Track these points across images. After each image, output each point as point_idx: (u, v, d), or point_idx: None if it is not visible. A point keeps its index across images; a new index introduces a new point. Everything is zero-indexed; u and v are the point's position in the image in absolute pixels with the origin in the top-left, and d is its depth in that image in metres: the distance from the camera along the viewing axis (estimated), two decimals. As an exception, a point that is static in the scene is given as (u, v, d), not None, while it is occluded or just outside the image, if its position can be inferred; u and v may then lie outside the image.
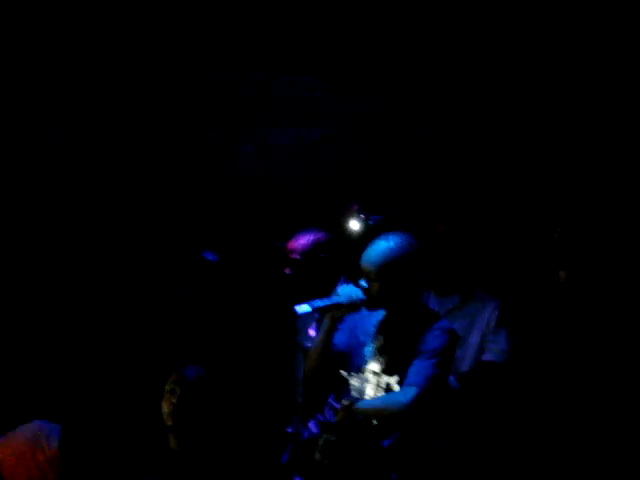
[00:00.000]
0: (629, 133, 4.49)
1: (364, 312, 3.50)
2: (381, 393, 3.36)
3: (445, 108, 4.90)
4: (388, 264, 3.34)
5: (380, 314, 3.51)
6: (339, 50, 4.90)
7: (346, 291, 3.40)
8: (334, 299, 3.40)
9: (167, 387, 3.59)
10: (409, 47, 4.86)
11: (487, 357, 3.87)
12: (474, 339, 3.90)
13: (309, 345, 3.81)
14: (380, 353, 3.42)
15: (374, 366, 3.42)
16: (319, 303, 3.38)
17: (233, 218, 5.05)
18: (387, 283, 3.35)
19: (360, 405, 3.31)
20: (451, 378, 3.77)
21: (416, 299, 3.48)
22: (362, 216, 4.59)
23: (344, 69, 4.96)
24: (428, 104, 4.91)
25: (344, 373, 3.48)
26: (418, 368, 3.27)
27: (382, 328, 3.48)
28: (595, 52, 4.55)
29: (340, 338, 3.53)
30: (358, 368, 3.46)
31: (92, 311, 4.73)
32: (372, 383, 3.40)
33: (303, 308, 3.35)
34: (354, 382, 3.44)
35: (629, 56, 4.49)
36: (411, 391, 3.21)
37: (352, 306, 3.39)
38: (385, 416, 3.29)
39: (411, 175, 4.94)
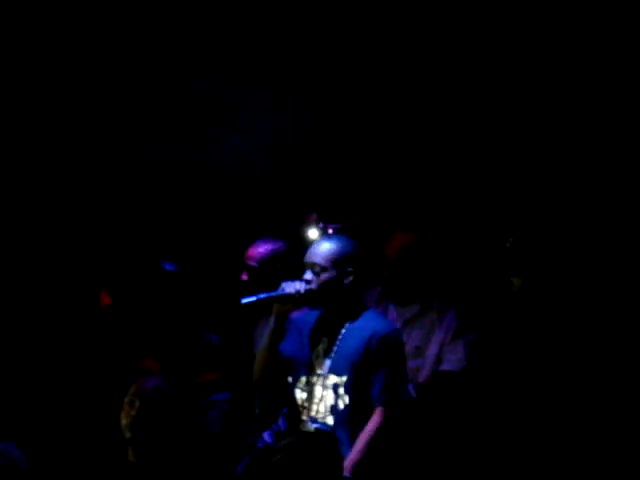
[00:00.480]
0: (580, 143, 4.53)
1: (310, 316, 3.56)
2: (329, 394, 3.41)
3: (399, 118, 4.92)
4: (332, 257, 3.42)
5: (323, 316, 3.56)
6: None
7: (289, 284, 3.43)
8: (278, 292, 3.44)
9: (126, 399, 3.58)
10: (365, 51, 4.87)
11: (445, 367, 3.91)
12: (432, 349, 3.94)
13: None
14: (325, 355, 3.47)
15: (319, 368, 3.47)
16: (263, 295, 3.43)
17: (191, 227, 5.04)
18: (330, 276, 3.41)
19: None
20: (409, 387, 3.81)
21: (357, 300, 3.53)
22: (321, 225, 4.62)
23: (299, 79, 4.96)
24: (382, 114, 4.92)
25: (290, 379, 3.52)
26: (379, 384, 3.34)
27: (321, 329, 3.53)
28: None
29: (287, 344, 3.55)
30: (305, 371, 3.50)
31: (45, 320, 4.72)
32: (319, 385, 3.45)
33: (247, 299, 3.42)
34: (299, 390, 3.50)
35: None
36: (386, 417, 3.30)
37: (296, 300, 3.42)
38: (376, 448, 3.32)
39: (369, 184, 4.95)
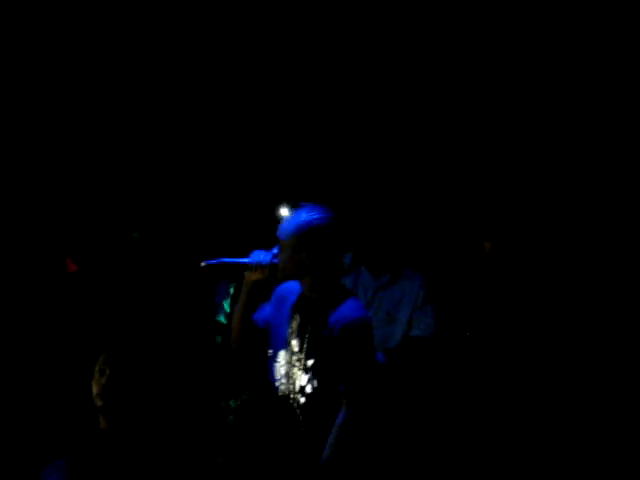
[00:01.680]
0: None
1: (296, 286, 3.45)
2: (301, 374, 3.35)
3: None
4: (292, 232, 3.30)
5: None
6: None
7: (256, 254, 3.39)
8: (242, 259, 3.41)
9: (96, 368, 3.55)
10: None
11: (414, 332, 3.95)
12: (403, 316, 3.97)
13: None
14: (298, 333, 3.39)
15: (294, 345, 3.40)
16: (226, 260, 3.40)
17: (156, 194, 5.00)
18: (295, 253, 3.30)
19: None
20: (379, 354, 3.83)
21: (329, 277, 3.39)
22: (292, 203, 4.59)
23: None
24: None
25: (270, 351, 3.46)
26: (345, 377, 3.24)
27: (298, 306, 3.43)
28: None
29: (266, 311, 3.51)
30: (281, 345, 3.43)
31: (10, 287, 4.67)
32: (294, 362, 3.38)
33: (208, 262, 3.39)
34: (277, 364, 3.43)
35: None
36: (354, 410, 3.20)
37: (261, 269, 3.37)
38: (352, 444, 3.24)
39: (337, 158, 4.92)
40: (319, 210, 3.38)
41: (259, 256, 3.37)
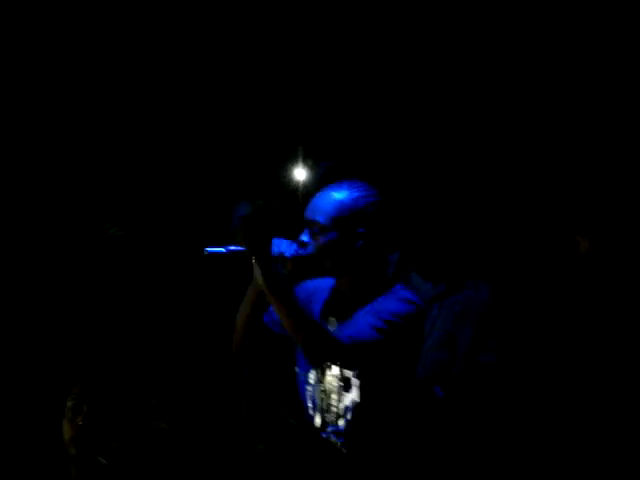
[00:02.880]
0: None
1: (324, 283, 2.79)
2: (338, 390, 2.66)
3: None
4: (338, 213, 2.62)
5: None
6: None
7: (277, 243, 2.68)
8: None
9: (69, 403, 2.67)
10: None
11: (485, 358, 3.09)
12: (465, 337, 3.10)
13: None
14: None
15: None
16: (234, 248, 2.69)
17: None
18: (332, 238, 2.63)
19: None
20: (436, 388, 3.01)
21: (378, 271, 2.72)
22: (308, 162, 3.83)
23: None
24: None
25: (297, 369, 2.78)
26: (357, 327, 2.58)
27: (332, 307, 2.74)
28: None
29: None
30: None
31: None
32: (328, 378, 2.69)
33: (213, 249, 2.68)
34: (311, 381, 2.73)
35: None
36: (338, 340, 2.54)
37: (282, 262, 2.65)
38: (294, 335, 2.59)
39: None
40: (363, 187, 2.67)
41: (280, 246, 2.65)
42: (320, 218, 2.62)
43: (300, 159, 4.03)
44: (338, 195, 2.64)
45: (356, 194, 2.64)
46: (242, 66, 4.51)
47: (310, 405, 2.72)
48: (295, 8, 4.41)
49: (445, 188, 3.16)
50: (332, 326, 2.69)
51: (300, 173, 3.94)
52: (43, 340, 3.74)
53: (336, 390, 2.65)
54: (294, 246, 2.64)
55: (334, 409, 2.66)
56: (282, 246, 2.64)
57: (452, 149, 3.94)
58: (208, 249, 2.65)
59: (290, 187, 4.00)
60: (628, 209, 2.93)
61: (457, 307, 3.13)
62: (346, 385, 2.63)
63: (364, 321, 2.56)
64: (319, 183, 3.50)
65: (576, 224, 2.91)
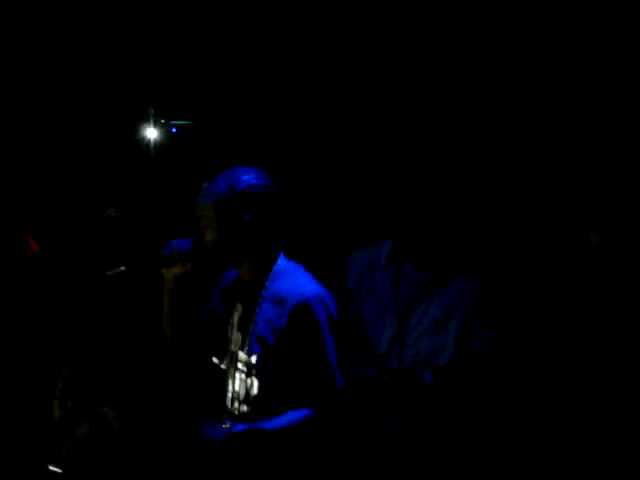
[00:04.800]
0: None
1: (232, 274, 2.89)
2: (241, 378, 2.74)
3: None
4: (216, 201, 2.70)
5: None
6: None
7: (171, 244, 2.77)
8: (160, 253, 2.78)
9: (59, 384, 2.68)
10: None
11: (474, 346, 3.05)
12: (456, 325, 3.06)
13: None
14: (239, 326, 2.80)
15: (236, 342, 2.80)
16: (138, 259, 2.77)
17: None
18: (222, 227, 2.70)
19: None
20: (425, 374, 2.98)
21: (271, 250, 2.79)
22: (161, 121, 3.81)
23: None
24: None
25: (215, 360, 2.87)
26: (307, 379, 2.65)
27: (236, 293, 2.84)
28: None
29: (211, 309, 2.93)
30: (223, 345, 2.85)
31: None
32: (233, 365, 2.79)
33: (115, 270, 2.72)
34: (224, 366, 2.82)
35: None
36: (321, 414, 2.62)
37: (180, 260, 2.73)
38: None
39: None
40: (240, 173, 2.73)
41: (174, 244, 2.73)
42: (204, 210, 2.69)
43: (151, 118, 3.92)
44: (215, 187, 2.69)
45: (231, 182, 2.69)
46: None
47: (226, 391, 2.78)
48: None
49: (443, 177, 3.08)
50: (238, 312, 2.78)
51: (152, 132, 3.83)
52: (35, 324, 3.70)
53: (244, 376, 2.72)
54: (189, 243, 2.72)
55: (236, 395, 2.74)
56: (179, 244, 2.72)
57: (457, 140, 3.87)
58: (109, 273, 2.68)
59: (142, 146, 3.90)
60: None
61: (450, 296, 3.09)
62: (250, 371, 2.70)
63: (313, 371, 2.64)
64: (171, 143, 3.48)
65: (589, 219, 2.87)
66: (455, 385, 3.00)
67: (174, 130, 3.94)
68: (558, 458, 2.91)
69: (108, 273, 2.65)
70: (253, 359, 2.69)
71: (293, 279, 2.73)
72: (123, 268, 2.68)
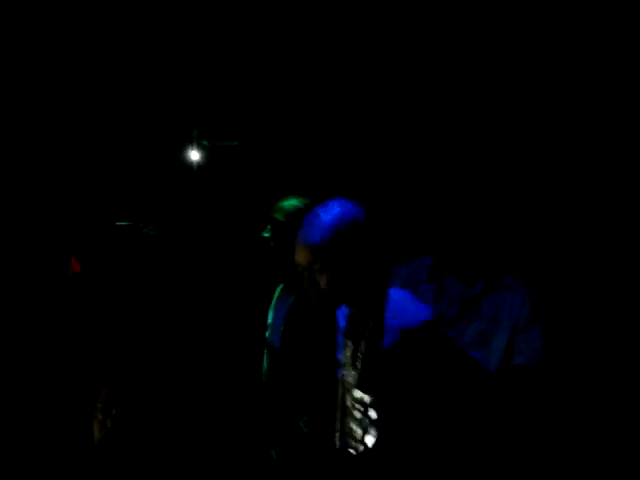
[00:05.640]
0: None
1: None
2: (358, 414, 2.53)
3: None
4: (324, 244, 2.44)
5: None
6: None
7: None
8: None
9: (98, 405, 2.67)
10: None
11: (517, 360, 3.00)
12: (500, 338, 3.01)
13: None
14: (352, 363, 2.58)
15: (350, 380, 2.58)
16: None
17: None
18: (335, 265, 2.46)
19: None
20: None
21: (371, 282, 2.55)
22: (204, 143, 3.73)
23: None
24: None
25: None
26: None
27: (350, 329, 2.61)
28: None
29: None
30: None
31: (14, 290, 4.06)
32: (356, 405, 2.56)
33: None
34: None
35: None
36: None
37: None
38: None
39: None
40: (340, 205, 2.49)
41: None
42: (304, 249, 2.46)
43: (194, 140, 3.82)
44: (320, 220, 2.46)
45: (337, 215, 2.47)
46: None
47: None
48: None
49: (479, 191, 3.05)
50: (348, 350, 2.60)
51: (195, 155, 3.74)
52: (73, 342, 3.70)
53: (356, 411, 2.56)
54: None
55: (355, 434, 2.56)
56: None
57: (487, 154, 3.84)
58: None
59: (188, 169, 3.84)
60: None
61: (493, 309, 3.04)
62: (364, 410, 2.52)
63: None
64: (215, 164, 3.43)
65: (616, 232, 2.82)
66: (499, 400, 2.95)
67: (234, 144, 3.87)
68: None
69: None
70: (368, 397, 2.53)
71: (401, 308, 2.50)
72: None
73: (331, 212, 2.46)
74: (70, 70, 4.63)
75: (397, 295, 2.54)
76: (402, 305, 2.50)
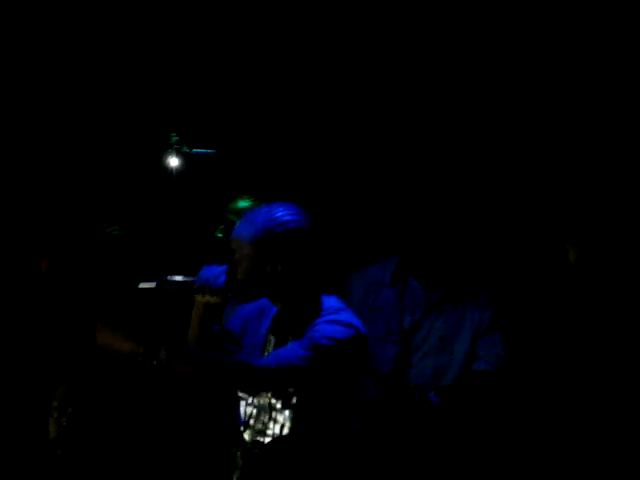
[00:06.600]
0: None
1: (262, 306, 2.69)
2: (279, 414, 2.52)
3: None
4: (255, 233, 2.50)
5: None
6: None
7: (206, 271, 2.58)
8: (185, 278, 2.61)
9: (54, 403, 2.64)
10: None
11: (478, 365, 3.00)
12: (462, 343, 3.01)
13: None
14: None
15: None
16: (169, 280, 2.61)
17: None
18: (251, 262, 2.51)
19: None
20: (430, 394, 2.94)
21: (307, 290, 2.57)
22: (183, 149, 3.74)
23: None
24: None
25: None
26: (286, 349, 2.45)
27: (273, 326, 2.64)
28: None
29: (235, 323, 2.74)
30: None
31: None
32: (272, 401, 2.56)
33: (145, 284, 2.61)
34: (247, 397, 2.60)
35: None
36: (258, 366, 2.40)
37: (211, 291, 2.56)
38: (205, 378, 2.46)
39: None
40: (281, 210, 2.54)
41: (208, 273, 2.55)
42: (243, 238, 2.52)
43: (173, 146, 3.82)
44: (253, 225, 2.51)
45: (270, 222, 2.50)
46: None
47: (244, 419, 2.60)
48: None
49: (443, 195, 3.06)
50: (270, 345, 2.60)
51: (173, 161, 3.75)
52: (32, 339, 3.66)
53: (267, 410, 2.55)
54: (222, 276, 2.55)
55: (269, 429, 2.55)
56: (209, 274, 2.56)
57: (451, 155, 3.85)
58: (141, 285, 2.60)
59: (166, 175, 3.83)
60: (618, 218, 2.84)
61: (455, 314, 3.04)
62: (276, 408, 2.53)
63: (294, 345, 2.43)
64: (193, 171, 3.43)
65: (566, 233, 2.83)
66: (460, 404, 2.95)
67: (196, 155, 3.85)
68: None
69: (140, 286, 2.57)
70: (279, 402, 2.52)
71: (333, 321, 2.47)
72: (154, 285, 2.56)
73: (270, 213, 2.52)
74: (44, 73, 4.62)
75: (330, 303, 2.55)
76: (331, 314, 2.50)
